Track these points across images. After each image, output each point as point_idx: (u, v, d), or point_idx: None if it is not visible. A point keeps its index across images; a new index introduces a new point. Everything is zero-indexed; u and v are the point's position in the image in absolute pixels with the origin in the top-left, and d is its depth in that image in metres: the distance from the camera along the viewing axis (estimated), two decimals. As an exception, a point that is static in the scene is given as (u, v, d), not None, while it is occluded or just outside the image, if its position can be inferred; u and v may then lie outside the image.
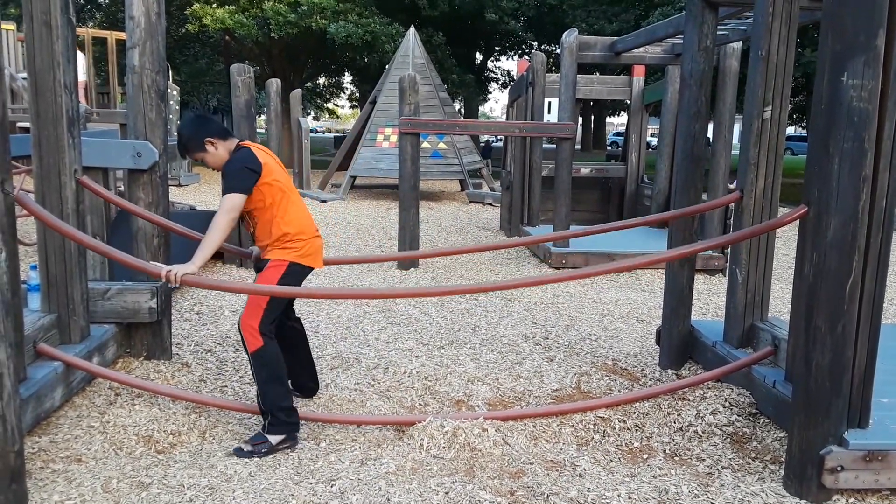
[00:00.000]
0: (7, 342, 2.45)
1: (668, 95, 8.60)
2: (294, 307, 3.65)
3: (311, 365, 3.69)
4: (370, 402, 3.68)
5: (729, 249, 4.06)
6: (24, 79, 10.95)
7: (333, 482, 2.81)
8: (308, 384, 3.68)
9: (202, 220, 5.86)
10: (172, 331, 4.16)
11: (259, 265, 3.26)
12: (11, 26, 12.82)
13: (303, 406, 3.59)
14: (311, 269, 3.27)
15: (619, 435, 3.31)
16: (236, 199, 2.98)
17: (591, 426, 3.37)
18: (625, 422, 3.41)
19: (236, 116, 6.80)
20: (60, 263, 3.38)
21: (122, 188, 6.48)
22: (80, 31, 14.07)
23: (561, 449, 3.18)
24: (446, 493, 2.74)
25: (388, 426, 3.39)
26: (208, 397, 3.57)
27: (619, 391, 3.85)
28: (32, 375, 3.05)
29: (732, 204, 3.86)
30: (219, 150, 3.13)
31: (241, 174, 3.02)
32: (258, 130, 7.52)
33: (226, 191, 3.01)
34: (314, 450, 3.14)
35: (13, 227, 2.69)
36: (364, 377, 4.01)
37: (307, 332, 4.75)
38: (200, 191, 14.01)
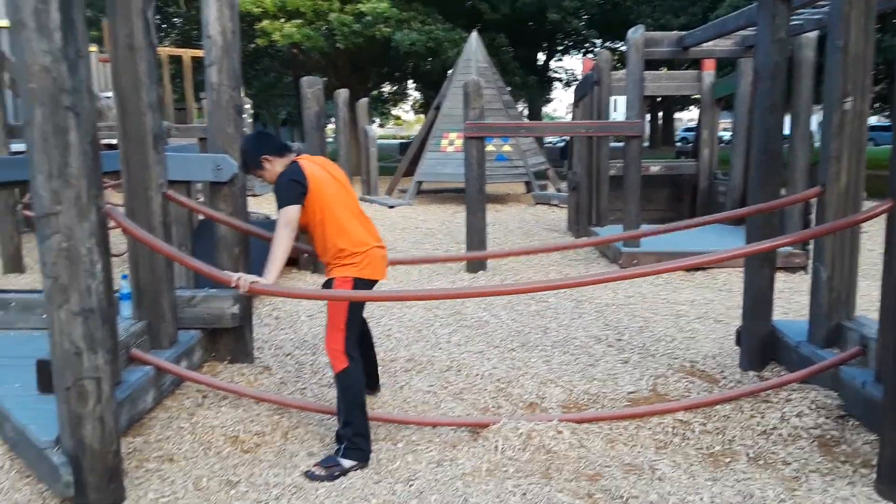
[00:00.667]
0: (104, 348, 2.61)
1: (741, 89, 8.36)
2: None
3: (375, 365, 3.77)
4: (444, 404, 3.72)
5: (812, 246, 3.91)
6: (106, 97, 11.56)
7: (412, 482, 2.86)
8: (372, 383, 3.76)
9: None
10: (253, 335, 4.31)
11: (326, 285, 3.24)
12: (93, 48, 13.55)
13: (379, 407, 3.67)
14: (376, 280, 3.26)
15: (699, 438, 3.23)
16: (290, 212, 3.05)
17: (670, 429, 3.30)
18: (705, 425, 3.33)
19: (307, 127, 6.99)
20: (150, 273, 3.56)
21: (201, 199, 6.75)
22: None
23: (639, 452, 3.14)
24: (523, 494, 2.75)
25: (463, 428, 3.42)
26: (290, 399, 3.69)
27: (697, 394, 3.76)
28: (126, 379, 3.22)
29: (814, 199, 3.73)
30: (274, 167, 3.19)
31: (288, 187, 3.08)
32: (327, 140, 7.73)
33: (279, 205, 3.08)
34: (391, 450, 3.20)
35: (106, 239, 2.86)
36: (437, 379, 4.06)
37: (380, 335, 4.86)
38: (274, 200, 14.44)
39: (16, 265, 7.10)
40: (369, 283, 3.22)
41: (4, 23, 8.71)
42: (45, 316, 3.85)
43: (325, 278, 3.25)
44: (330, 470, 2.96)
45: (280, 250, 3.03)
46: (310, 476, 2.94)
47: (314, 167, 3.19)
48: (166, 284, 3.62)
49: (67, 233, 2.45)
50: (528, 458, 3.07)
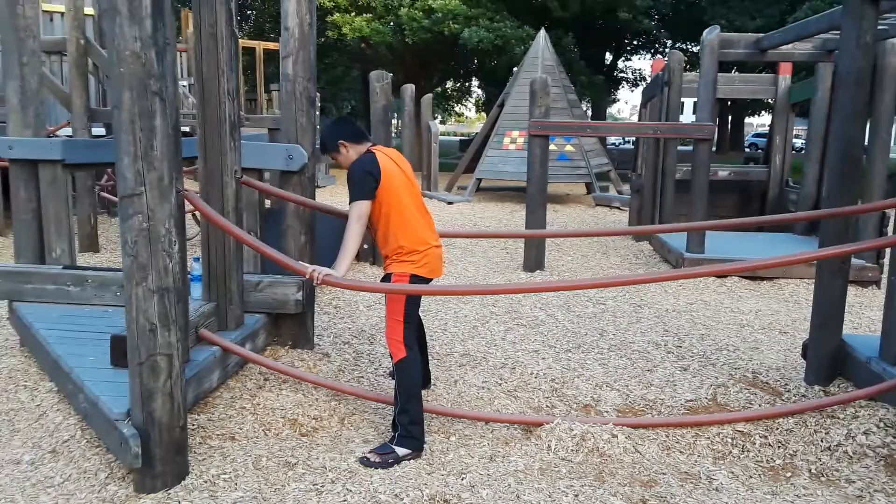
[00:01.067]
0: (177, 326, 2.72)
1: (819, 95, 8.05)
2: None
3: (427, 361, 3.81)
4: (497, 401, 3.73)
5: (887, 259, 3.76)
6: (182, 86, 11.96)
7: (464, 475, 2.88)
8: (425, 379, 3.79)
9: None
10: (314, 322, 4.41)
11: (385, 279, 3.31)
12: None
13: (433, 400, 3.71)
14: (432, 279, 3.31)
15: (759, 451, 3.16)
16: (362, 207, 3.09)
17: (730, 440, 3.23)
18: (766, 438, 3.25)
19: (374, 121, 7.09)
20: (220, 257, 3.68)
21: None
22: (231, 42, 15.12)
23: (696, 461, 3.08)
24: (576, 495, 2.74)
25: (516, 425, 3.43)
26: (347, 386, 3.76)
27: (759, 405, 3.67)
28: (194, 358, 3.35)
29: (891, 212, 3.58)
30: (350, 153, 3.24)
31: (361, 180, 3.11)
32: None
33: (351, 198, 3.12)
34: (445, 443, 3.24)
35: (183, 222, 2.98)
36: (491, 376, 4.07)
37: (436, 330, 4.90)
38: (336, 192, 14.69)
39: (92, 244, 7.44)
40: (425, 280, 3.27)
41: (89, 10, 9.10)
42: (119, 293, 4.04)
43: (385, 272, 3.30)
44: (384, 457, 3.01)
45: (352, 244, 3.09)
46: (364, 462, 2.99)
47: (387, 160, 3.23)
48: (235, 268, 3.74)
49: (149, 213, 2.56)
50: (582, 459, 3.06)
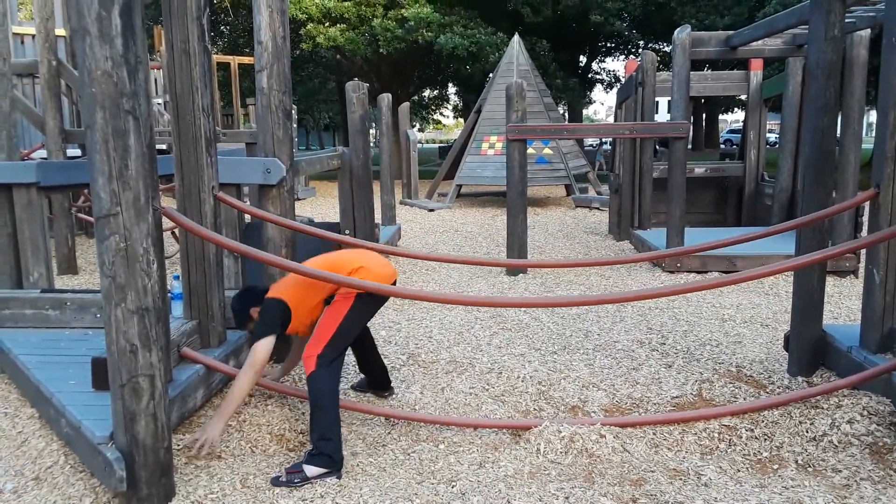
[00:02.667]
0: (158, 346, 2.69)
1: (790, 89, 8.18)
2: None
3: (382, 368, 3.81)
4: (485, 406, 3.73)
5: (864, 249, 3.81)
6: (157, 104, 11.88)
7: (454, 483, 2.88)
8: (382, 385, 3.82)
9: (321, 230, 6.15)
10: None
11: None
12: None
13: (420, 408, 3.70)
14: (384, 297, 3.30)
15: (746, 444, 3.18)
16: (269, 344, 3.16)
17: (716, 435, 3.26)
18: (752, 431, 3.27)
19: (352, 131, 7.08)
20: (200, 273, 3.65)
21: (248, 203, 6.88)
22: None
23: (684, 457, 3.10)
24: (566, 497, 2.74)
25: (505, 430, 3.43)
26: (333, 399, 3.73)
27: (744, 399, 3.69)
28: (177, 377, 3.31)
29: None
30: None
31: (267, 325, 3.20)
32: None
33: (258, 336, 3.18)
34: (434, 451, 3.23)
35: (161, 240, 2.95)
36: (478, 381, 4.07)
37: (421, 337, 4.90)
38: (316, 203, 14.65)
39: (70, 266, 7.35)
40: (374, 295, 3.25)
41: (61, 31, 9.02)
42: (99, 315, 3.99)
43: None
44: (291, 476, 2.91)
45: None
46: (273, 482, 2.90)
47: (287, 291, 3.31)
48: (216, 285, 3.71)
49: (125, 233, 2.53)
50: (571, 461, 3.06)
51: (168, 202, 3.09)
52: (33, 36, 9.05)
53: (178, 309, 3.82)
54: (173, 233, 7.29)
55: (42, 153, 8.34)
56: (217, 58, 16.91)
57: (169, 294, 3.71)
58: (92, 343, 3.84)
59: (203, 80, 3.47)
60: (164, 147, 8.68)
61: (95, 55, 2.42)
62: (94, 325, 4.07)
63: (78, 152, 9.18)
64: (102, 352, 2.86)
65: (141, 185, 2.54)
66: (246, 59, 15.58)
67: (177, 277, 3.88)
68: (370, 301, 3.26)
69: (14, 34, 9.63)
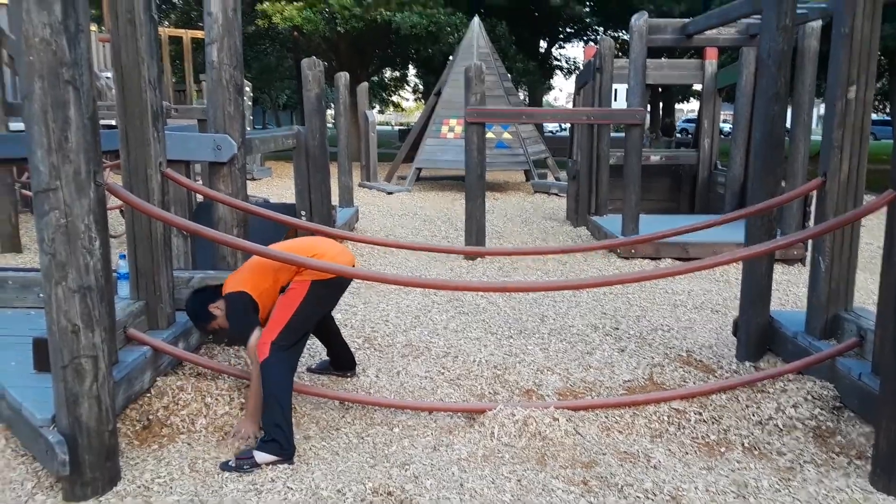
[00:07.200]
0: (101, 327, 2.60)
1: (744, 78, 8.33)
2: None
3: (345, 347, 3.83)
4: (441, 390, 3.72)
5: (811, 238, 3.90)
6: (107, 77, 11.49)
7: (407, 466, 2.86)
8: (345, 365, 3.84)
9: (276, 211, 6.05)
10: (250, 318, 4.29)
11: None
12: (94, 28, 13.43)
13: (375, 392, 3.67)
14: (343, 281, 3.27)
15: (694, 427, 3.24)
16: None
17: (666, 418, 3.31)
18: (701, 414, 3.34)
19: (308, 110, 6.95)
20: (147, 253, 3.54)
21: (199, 182, 6.73)
22: (157, 30, 14.66)
23: (634, 440, 3.15)
24: (518, 480, 2.75)
25: (459, 413, 3.43)
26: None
27: (694, 383, 3.77)
28: (123, 359, 3.21)
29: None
30: (221, 308, 3.27)
31: (246, 318, 3.15)
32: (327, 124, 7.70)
33: (243, 334, 3.14)
34: (388, 434, 3.21)
35: (105, 217, 2.84)
36: (434, 365, 4.06)
37: (377, 320, 4.86)
38: (272, 184, 14.39)
39: (14, 245, 7.08)
40: (333, 284, 3.22)
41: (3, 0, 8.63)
42: (42, 294, 3.85)
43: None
44: (241, 462, 2.87)
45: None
46: (223, 467, 2.86)
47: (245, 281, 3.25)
48: (164, 265, 3.60)
49: (66, 209, 2.43)
50: (524, 444, 3.08)
51: (116, 180, 2.98)
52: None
53: (124, 289, 3.70)
54: (121, 211, 7.07)
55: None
56: (169, 31, 16.43)
57: (115, 273, 3.58)
58: (34, 323, 3.69)
59: (149, 51, 3.33)
60: (112, 123, 8.39)
61: (33, 21, 2.30)
62: (36, 304, 3.91)
63: (22, 126, 8.82)
64: (44, 332, 2.76)
65: (82, 158, 2.43)
66: (199, 34, 15.17)
67: (123, 257, 3.76)
68: (327, 288, 3.21)
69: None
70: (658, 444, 3.11)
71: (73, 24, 2.36)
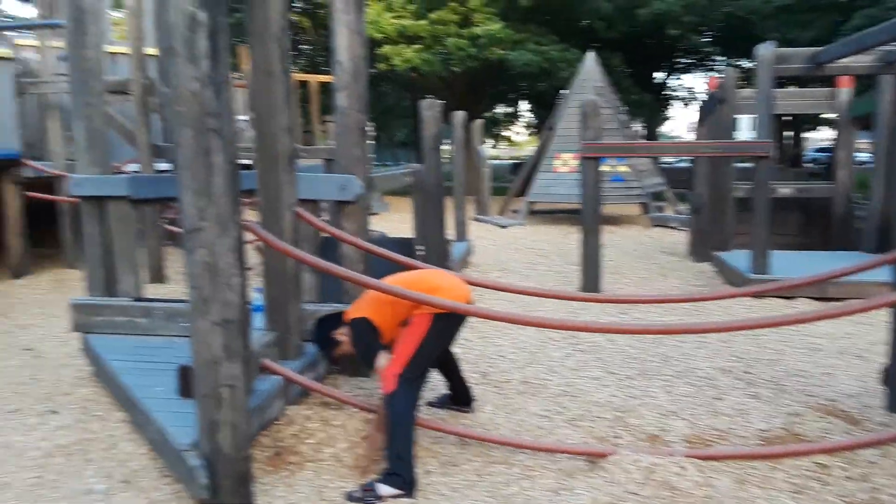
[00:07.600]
0: (239, 358, 2.75)
1: (882, 107, 7.77)
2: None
3: (462, 382, 3.83)
4: (559, 430, 3.65)
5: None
6: (243, 121, 12.28)
7: (529, 509, 2.81)
8: (463, 400, 3.84)
9: (395, 244, 6.19)
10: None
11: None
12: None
13: (493, 430, 3.65)
14: (462, 316, 3.31)
15: (841, 485, 2.99)
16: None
17: (808, 473, 3.07)
18: (846, 470, 3.07)
19: (425, 148, 7.14)
20: (280, 287, 3.73)
21: (325, 218, 7.03)
22: (285, 75, 15.54)
23: (773, 496, 2.93)
24: (646, 531, 2.63)
25: (580, 456, 3.33)
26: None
27: (838, 436, 3.48)
28: (257, 388, 3.38)
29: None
30: (345, 334, 3.39)
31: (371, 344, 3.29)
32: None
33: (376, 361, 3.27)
34: (506, 474, 3.17)
35: (243, 254, 3.02)
36: (552, 404, 3.98)
37: (493, 356, 4.85)
38: (390, 218, 14.81)
39: (159, 276, 7.67)
40: (452, 318, 3.28)
41: (152, 51, 9.47)
42: (185, 324, 4.13)
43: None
44: (365, 493, 2.92)
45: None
46: (348, 498, 2.93)
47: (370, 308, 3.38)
48: (294, 298, 3.78)
49: (210, 248, 2.61)
50: (650, 493, 2.95)
51: (251, 216, 3.17)
52: (126, 54, 9.52)
53: (258, 320, 3.91)
54: (257, 247, 7.50)
55: (134, 167, 8.74)
56: (297, 76, 17.42)
57: (250, 306, 3.79)
58: (179, 351, 3.96)
59: (283, 99, 3.55)
60: (248, 163, 8.96)
61: (183, 75, 2.52)
62: (180, 333, 4.20)
63: (165, 166, 9.59)
64: (188, 360, 2.95)
65: (225, 200, 2.61)
66: (325, 78, 15.98)
67: (258, 290, 3.97)
68: (448, 321, 3.27)
69: (108, 53, 10.19)
70: (800, 500, 2.89)
71: (219, 78, 2.56)
